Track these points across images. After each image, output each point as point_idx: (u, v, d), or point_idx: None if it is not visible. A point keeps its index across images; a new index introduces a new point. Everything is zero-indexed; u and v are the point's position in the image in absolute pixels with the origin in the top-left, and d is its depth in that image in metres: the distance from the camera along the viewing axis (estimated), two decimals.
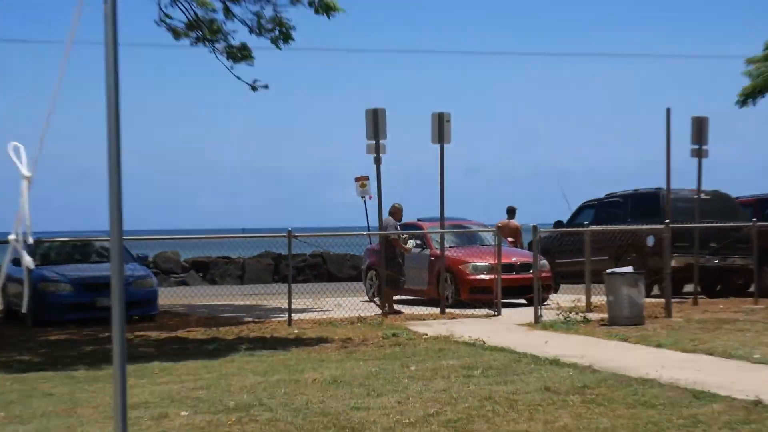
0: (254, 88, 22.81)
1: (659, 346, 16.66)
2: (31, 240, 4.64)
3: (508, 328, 20.04)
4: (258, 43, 22.57)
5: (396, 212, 24.52)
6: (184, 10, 22.04)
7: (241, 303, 27.96)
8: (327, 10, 21.14)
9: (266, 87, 23.04)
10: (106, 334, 19.70)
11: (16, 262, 17.53)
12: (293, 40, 22.24)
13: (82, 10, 4.81)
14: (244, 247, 39.94)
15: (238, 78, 22.57)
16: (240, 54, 22.34)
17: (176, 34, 22.19)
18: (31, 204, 5.00)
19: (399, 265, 23.93)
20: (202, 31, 22.15)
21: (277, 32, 22.07)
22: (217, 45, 22.32)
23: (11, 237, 4.68)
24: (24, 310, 5.93)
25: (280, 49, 22.19)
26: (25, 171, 4.50)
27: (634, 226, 25.56)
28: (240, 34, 22.44)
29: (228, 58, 22.34)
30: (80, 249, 24.65)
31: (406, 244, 24.20)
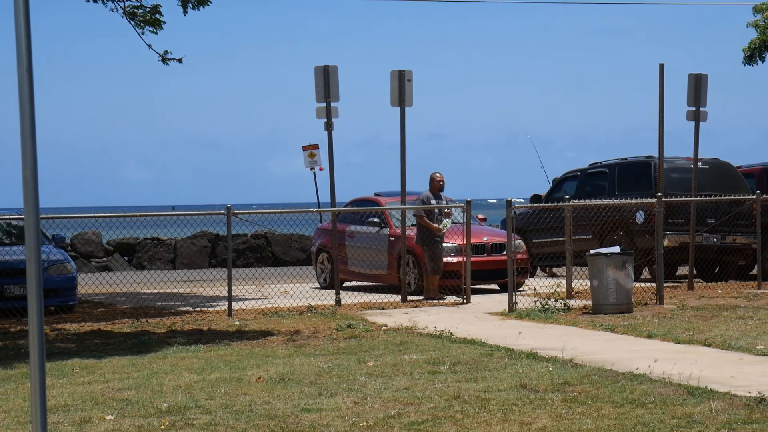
0: (165, 61, 22.38)
1: (650, 336, 16.84)
2: None
3: (478, 318, 20.16)
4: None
5: (433, 183, 24.29)
6: None
7: (174, 291, 27.92)
8: None
9: (180, 61, 22.52)
10: (18, 327, 19.68)
11: None
12: (207, 3, 21.84)
13: None
14: (176, 226, 39.63)
15: (149, 46, 22.13)
16: (148, 18, 21.83)
17: None
18: None
19: (436, 247, 23.72)
20: None
21: None
22: (121, 4, 21.80)
23: None
24: None
25: (185, 14, 21.74)
26: None
27: (622, 201, 25.62)
28: None
29: (132, 20, 21.78)
30: None
31: (440, 222, 23.80)
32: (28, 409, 11.74)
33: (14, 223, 24.28)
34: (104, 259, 37.98)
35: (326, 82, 24.48)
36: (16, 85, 4.76)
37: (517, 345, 15.69)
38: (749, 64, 32.34)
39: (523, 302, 21.30)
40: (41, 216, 21.04)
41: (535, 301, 21.07)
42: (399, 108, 24.05)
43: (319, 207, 29.46)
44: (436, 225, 23.53)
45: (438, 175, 24.10)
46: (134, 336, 18.17)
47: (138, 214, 26.02)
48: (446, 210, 23.50)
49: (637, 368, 13.17)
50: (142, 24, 21.64)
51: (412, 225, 25.07)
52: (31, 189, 4.54)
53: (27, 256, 4.59)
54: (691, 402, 11.13)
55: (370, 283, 26.60)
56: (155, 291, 27.55)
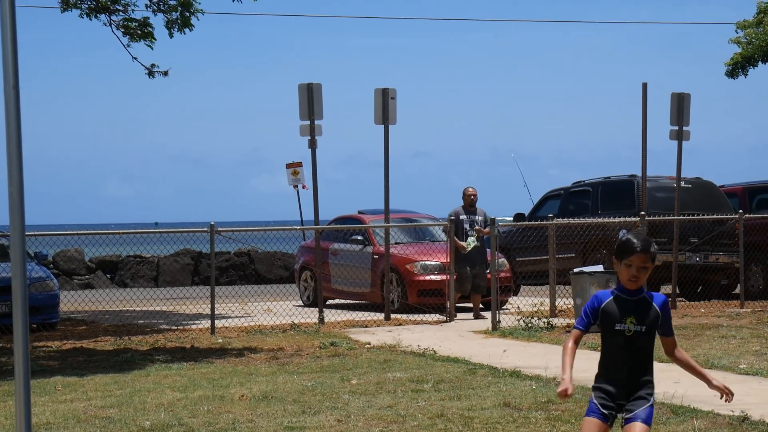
0: (151, 74, 22.29)
1: None
2: None
3: (462, 336, 20.17)
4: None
5: (464, 198, 23.75)
6: None
7: (157, 309, 27.92)
8: None
9: (165, 74, 22.42)
10: (0, 344, 19.63)
11: None
12: (192, 27, 21.79)
13: None
14: (158, 243, 39.63)
15: (135, 59, 22.01)
16: (140, 31, 21.76)
17: (66, 3, 21.74)
18: None
19: (464, 266, 23.27)
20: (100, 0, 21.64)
21: (177, 14, 21.58)
22: (113, 17, 21.79)
23: None
24: None
25: (171, 36, 21.72)
26: None
27: (605, 219, 25.66)
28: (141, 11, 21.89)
29: (125, 34, 21.74)
30: None
31: (465, 240, 23.25)
32: (10, 427, 11.74)
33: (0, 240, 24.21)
34: (86, 276, 37.92)
35: (310, 99, 24.50)
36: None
37: (501, 363, 15.70)
38: (732, 78, 32.38)
39: (507, 320, 21.30)
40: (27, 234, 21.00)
41: (519, 320, 21.05)
42: (383, 126, 24.06)
43: (303, 225, 29.42)
44: (462, 243, 23.16)
45: (469, 189, 23.60)
46: (117, 354, 18.13)
47: (121, 231, 25.98)
48: (476, 227, 22.97)
49: None
50: (136, 38, 21.58)
51: (396, 243, 25.07)
52: (17, 206, 4.54)
53: (13, 273, 4.60)
54: (675, 420, 11.18)
55: (354, 301, 26.61)
56: (138, 309, 27.57)
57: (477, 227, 22.70)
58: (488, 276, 22.07)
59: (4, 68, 4.58)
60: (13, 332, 4.46)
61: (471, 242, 22.98)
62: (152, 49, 21.86)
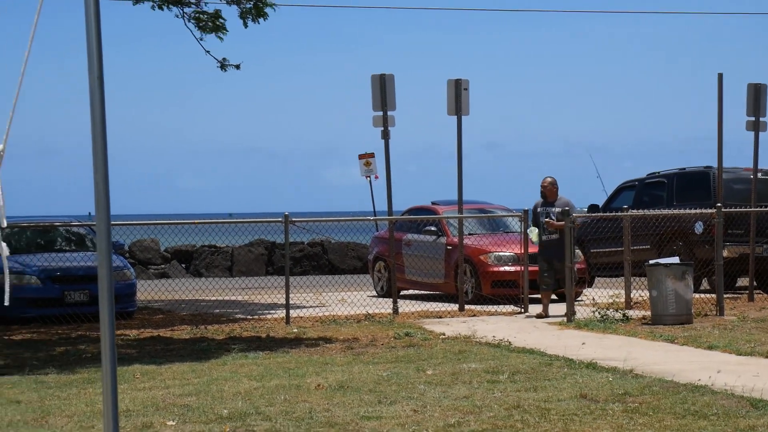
0: (223, 67, 22.29)
1: (710, 347, 16.70)
2: (4, 223, 4.69)
3: (537, 327, 20.10)
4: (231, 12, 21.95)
5: (541, 189, 22.70)
6: None
7: (231, 298, 28.04)
8: None
9: (237, 67, 22.35)
10: (78, 333, 19.81)
11: None
12: (266, 16, 21.73)
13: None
14: (233, 234, 39.89)
15: (207, 52, 21.98)
16: (211, 23, 21.75)
17: None
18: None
19: (538, 259, 22.54)
20: None
21: (251, 4, 21.51)
22: (186, 10, 21.79)
23: None
24: (5, 301, 5.88)
25: (246, 26, 21.65)
26: None
27: (681, 211, 25.46)
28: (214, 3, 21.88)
29: (197, 26, 21.73)
30: (46, 236, 24.53)
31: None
32: (90, 413, 11.82)
33: (73, 230, 24.42)
34: (162, 266, 38.15)
35: (383, 90, 24.49)
36: (85, 93, 4.79)
37: (577, 355, 15.63)
38: None
39: (582, 312, 21.20)
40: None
41: (594, 311, 20.91)
42: (456, 117, 24.01)
43: (376, 215, 29.40)
44: (531, 236, 22.76)
45: (545, 179, 22.69)
46: (193, 342, 18.27)
47: (196, 221, 26.06)
48: (548, 219, 22.10)
49: (699, 379, 13.08)
50: (207, 30, 21.57)
51: (469, 234, 25.00)
52: (103, 197, 4.56)
53: (99, 262, 4.61)
54: (754, 414, 11.03)
55: (428, 292, 26.57)
56: (213, 298, 27.69)
57: (548, 219, 22.19)
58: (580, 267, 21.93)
59: (89, 60, 4.59)
60: (100, 321, 4.48)
61: (532, 234, 22.54)
62: (222, 41, 21.83)
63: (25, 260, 22.23)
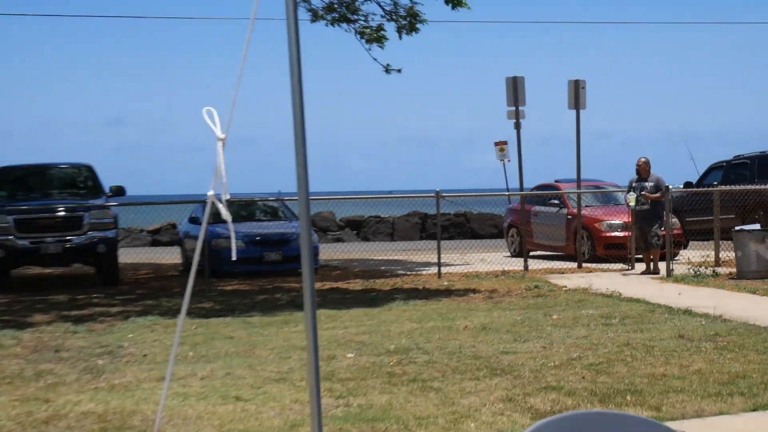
0: (387, 71, 22.43)
1: None
2: (227, 196, 4.88)
3: (641, 281, 19.94)
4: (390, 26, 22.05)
5: (638, 167, 21.95)
6: None
7: (394, 258, 28.22)
8: (457, 4, 20.84)
9: (399, 71, 22.44)
10: (273, 285, 20.17)
11: (193, 221, 18.00)
12: (417, 31, 21.81)
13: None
14: (393, 207, 40.29)
15: (375, 59, 22.00)
16: (375, 35, 21.97)
17: (315, 15, 22.04)
18: (224, 163, 5.26)
19: (636, 223, 21.93)
20: (341, 12, 21.94)
21: (406, 21, 21.67)
22: (354, 25, 22.03)
23: (210, 193, 4.92)
24: (233, 257, 6.13)
25: (400, 39, 21.78)
26: (219, 133, 4.75)
27: (761, 186, 25.03)
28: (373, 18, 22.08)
29: (362, 38, 21.92)
30: (246, 208, 24.98)
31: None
32: (287, 347, 12.09)
33: (269, 204, 24.89)
34: (338, 232, 38.44)
35: (515, 89, 24.52)
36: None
37: (675, 303, 15.50)
38: None
39: (679, 269, 20.91)
40: (289, 198, 21.45)
41: (689, 269, 20.68)
42: (575, 111, 23.88)
43: (509, 192, 29.30)
44: (629, 198, 21.90)
45: (640, 159, 21.88)
46: (365, 293, 18.45)
47: (364, 197, 26.31)
48: (643, 192, 21.28)
49: None
50: (369, 41, 21.78)
51: (586, 206, 24.87)
52: (303, 177, 4.72)
53: (301, 229, 4.79)
54: None
55: (551, 253, 26.45)
56: (379, 258, 27.88)
57: (643, 192, 21.87)
58: (660, 234, 21.62)
59: (291, 70, 4.74)
60: (302, 273, 4.68)
61: (630, 198, 21.74)
62: (382, 48, 21.96)
63: (231, 229, 22.50)
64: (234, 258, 6.58)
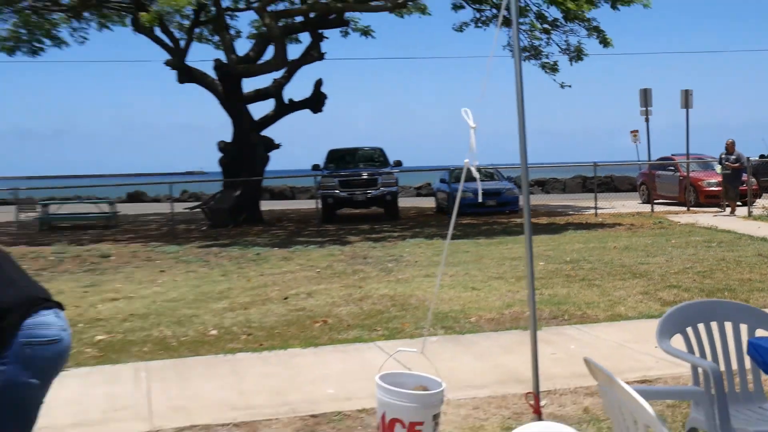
0: (562, 86, 21.79)
1: None
2: (477, 163, 4.82)
3: (730, 220, 18.68)
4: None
5: (726, 145, 20.36)
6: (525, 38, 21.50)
7: (565, 203, 27.56)
8: (605, 43, 20.06)
9: (570, 86, 21.88)
10: (491, 221, 19.99)
11: (442, 181, 17.78)
12: (582, 59, 21.14)
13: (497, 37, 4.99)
14: (563, 172, 39.31)
15: (554, 80, 21.61)
16: (551, 67, 21.52)
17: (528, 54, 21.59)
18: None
19: (725, 182, 20.38)
20: (532, 53, 21.54)
21: (574, 55, 21.09)
22: (539, 61, 21.61)
23: (466, 161, 4.90)
24: (479, 199, 6.20)
25: (571, 65, 21.26)
26: (471, 123, 4.75)
27: None
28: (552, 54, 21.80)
29: (543, 68, 21.51)
30: (480, 172, 24.51)
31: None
32: (501, 258, 11.99)
33: (488, 170, 24.58)
34: (530, 188, 37.62)
35: (645, 97, 23.41)
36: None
37: (755, 234, 14.51)
38: None
39: (756, 211, 19.53)
40: (504, 167, 21.00)
41: (763, 211, 19.28)
42: (685, 110, 22.53)
43: (639, 162, 28.09)
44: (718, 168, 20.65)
45: (728, 140, 20.19)
46: (548, 225, 18.06)
47: (547, 165, 25.55)
48: (726, 162, 19.73)
49: None
50: (548, 70, 21.42)
51: (692, 170, 23.53)
52: (523, 157, 4.64)
53: (523, 187, 4.70)
54: None
55: (669, 201, 25.20)
56: (556, 203, 27.27)
57: (726, 162, 20.15)
58: (741, 189, 20.23)
59: (516, 89, 4.65)
60: (523, 212, 4.62)
61: (719, 168, 20.30)
62: (555, 75, 21.50)
63: (468, 186, 22.31)
64: (480, 200, 6.57)
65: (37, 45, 21.57)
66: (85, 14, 21.86)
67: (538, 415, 4.38)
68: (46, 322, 2.85)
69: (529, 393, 4.42)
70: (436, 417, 4.08)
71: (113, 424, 4.90)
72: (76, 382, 5.74)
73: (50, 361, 2.85)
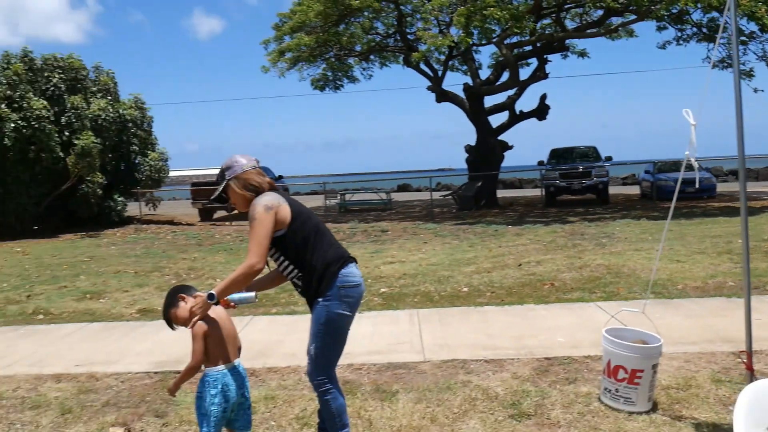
0: (755, 91, 18.40)
1: None
2: (696, 155, 4.24)
3: None
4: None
5: None
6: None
7: (758, 190, 23.70)
8: None
9: (762, 90, 18.56)
10: (689, 205, 17.66)
11: (647, 172, 16.00)
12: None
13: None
14: (757, 163, 34.00)
15: (748, 85, 18.36)
16: (747, 74, 18.44)
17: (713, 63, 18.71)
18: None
19: None
20: (728, 62, 18.69)
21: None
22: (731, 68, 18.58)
23: (686, 153, 4.35)
24: (674, 195, 5.55)
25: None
26: (692, 121, 4.21)
27: None
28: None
29: (741, 77, 18.28)
30: (676, 165, 21.83)
31: None
32: (702, 236, 10.58)
33: (684, 161, 21.86)
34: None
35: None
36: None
37: None
38: None
39: None
40: (704, 159, 18.50)
41: None
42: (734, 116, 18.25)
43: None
44: None
45: None
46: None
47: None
48: None
49: None
50: (744, 76, 18.46)
51: None
52: (741, 147, 4.04)
53: (740, 180, 4.05)
54: None
55: None
56: (751, 190, 23.55)
57: None
58: None
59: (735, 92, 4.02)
60: (740, 195, 3.97)
61: None
62: (752, 78, 18.46)
63: (665, 175, 20.03)
64: (697, 186, 5.83)
65: (339, 83, 23.11)
66: (371, 56, 23.02)
67: (750, 371, 3.82)
68: (353, 272, 3.16)
69: (742, 351, 3.86)
70: (654, 367, 4.00)
71: (396, 354, 5.06)
72: (368, 322, 6.03)
73: (355, 298, 3.15)
